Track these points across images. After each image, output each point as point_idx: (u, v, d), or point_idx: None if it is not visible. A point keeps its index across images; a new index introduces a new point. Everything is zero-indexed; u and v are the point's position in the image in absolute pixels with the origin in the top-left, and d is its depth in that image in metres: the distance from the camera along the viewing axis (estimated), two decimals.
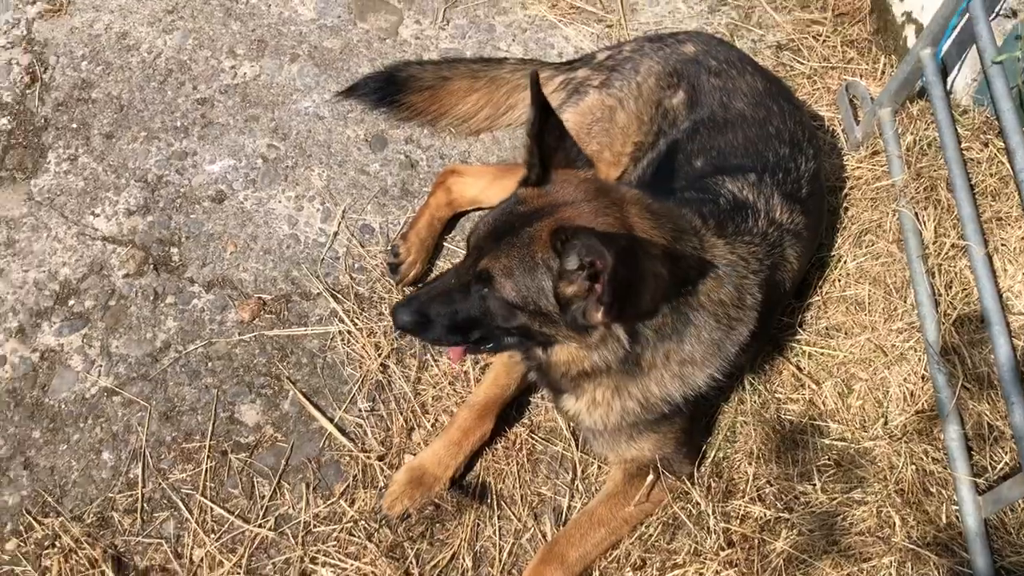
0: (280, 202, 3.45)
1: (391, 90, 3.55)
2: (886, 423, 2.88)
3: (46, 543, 2.76)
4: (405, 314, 2.33)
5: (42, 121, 3.62)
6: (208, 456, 2.92)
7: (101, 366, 3.08)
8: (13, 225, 3.35)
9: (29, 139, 3.57)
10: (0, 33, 3.84)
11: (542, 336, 2.32)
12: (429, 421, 3.01)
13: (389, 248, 3.30)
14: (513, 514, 2.86)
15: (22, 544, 2.76)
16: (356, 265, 3.32)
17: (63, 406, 3.01)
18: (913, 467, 2.76)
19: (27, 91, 3.69)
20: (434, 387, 3.07)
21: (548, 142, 2.27)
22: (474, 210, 3.39)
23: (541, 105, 2.23)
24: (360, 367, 3.09)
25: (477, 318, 2.31)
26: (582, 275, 2.12)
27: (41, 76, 3.73)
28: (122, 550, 2.77)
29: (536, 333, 2.31)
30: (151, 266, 3.28)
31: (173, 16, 3.93)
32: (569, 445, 2.96)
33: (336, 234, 3.38)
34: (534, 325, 2.27)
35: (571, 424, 2.94)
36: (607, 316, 2.17)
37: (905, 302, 3.08)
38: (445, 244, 3.37)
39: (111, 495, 2.86)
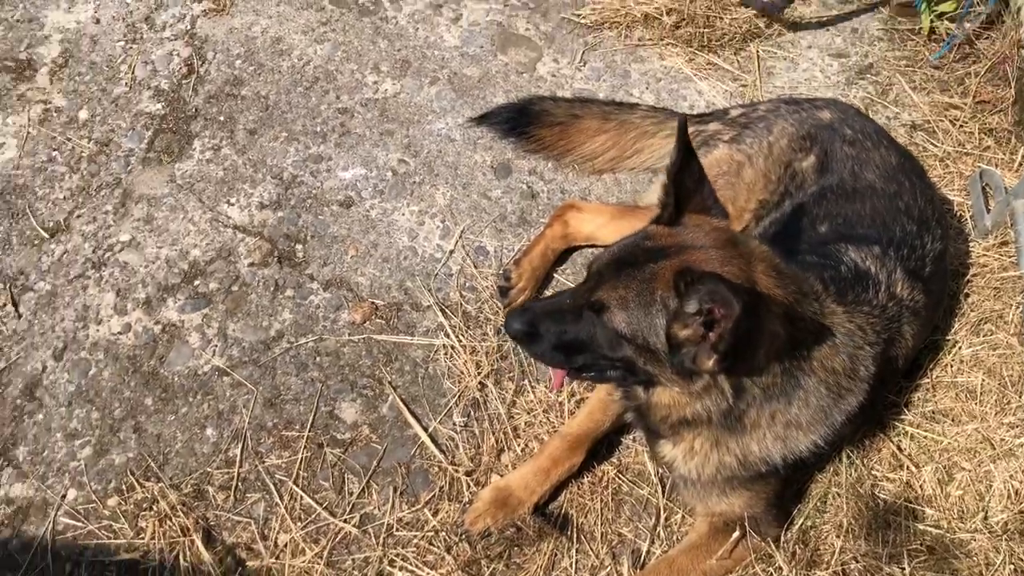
0: (403, 215, 3.57)
1: (522, 122, 3.65)
2: (986, 518, 2.80)
3: (144, 505, 2.88)
4: (518, 322, 2.37)
5: (193, 111, 3.84)
6: (305, 446, 3.02)
7: (216, 346, 3.22)
8: (154, 203, 3.56)
9: (179, 126, 3.79)
10: (167, 26, 4.11)
11: (645, 374, 2.32)
12: (519, 445, 3.04)
13: (501, 272, 3.37)
14: (591, 550, 2.86)
15: (123, 503, 2.89)
16: (467, 284, 3.40)
17: (176, 379, 3.16)
18: (1012, 567, 2.67)
19: (183, 81, 3.93)
20: (528, 413, 3.11)
21: (686, 185, 2.31)
22: (587, 246, 3.44)
23: (685, 147, 2.27)
24: (459, 382, 3.16)
25: (584, 342, 2.33)
26: (698, 320, 2.12)
27: (198, 69, 3.97)
28: (212, 523, 2.88)
29: (640, 369, 2.31)
30: (275, 258, 3.43)
31: (326, 28, 4.13)
32: (656, 490, 2.96)
33: (452, 252, 3.47)
34: (639, 360, 2.28)
35: (661, 470, 2.93)
36: (718, 365, 2.17)
37: (1020, 397, 3.00)
38: (555, 276, 3.43)
39: (209, 470, 2.97)
